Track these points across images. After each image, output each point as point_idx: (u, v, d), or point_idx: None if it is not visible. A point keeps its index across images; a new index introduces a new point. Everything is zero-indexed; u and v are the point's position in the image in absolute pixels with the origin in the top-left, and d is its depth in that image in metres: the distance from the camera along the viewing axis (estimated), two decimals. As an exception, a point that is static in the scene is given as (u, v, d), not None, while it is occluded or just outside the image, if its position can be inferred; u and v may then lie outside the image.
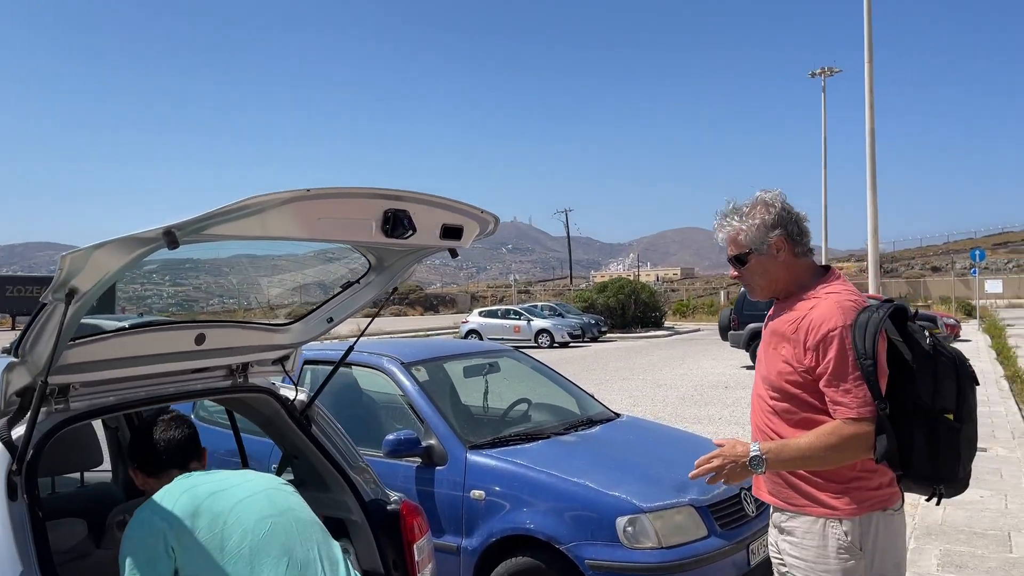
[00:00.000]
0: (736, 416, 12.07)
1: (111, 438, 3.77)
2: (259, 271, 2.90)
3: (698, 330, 39.22)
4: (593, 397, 5.81)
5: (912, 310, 2.51)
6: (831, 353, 2.35)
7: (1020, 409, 11.73)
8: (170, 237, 1.81)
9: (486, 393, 5.42)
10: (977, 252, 35.09)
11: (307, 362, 5.05)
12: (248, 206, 1.86)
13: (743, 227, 2.58)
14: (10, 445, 2.12)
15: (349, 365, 4.79)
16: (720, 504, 4.18)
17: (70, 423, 2.36)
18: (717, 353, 24.01)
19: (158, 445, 2.36)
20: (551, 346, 29.63)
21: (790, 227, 2.55)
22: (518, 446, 4.51)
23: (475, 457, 4.32)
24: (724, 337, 21.08)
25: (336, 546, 2.27)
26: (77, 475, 3.51)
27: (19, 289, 37.98)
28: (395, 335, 29.33)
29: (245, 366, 2.94)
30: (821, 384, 2.39)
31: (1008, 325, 30.27)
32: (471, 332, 30.96)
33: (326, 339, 3.62)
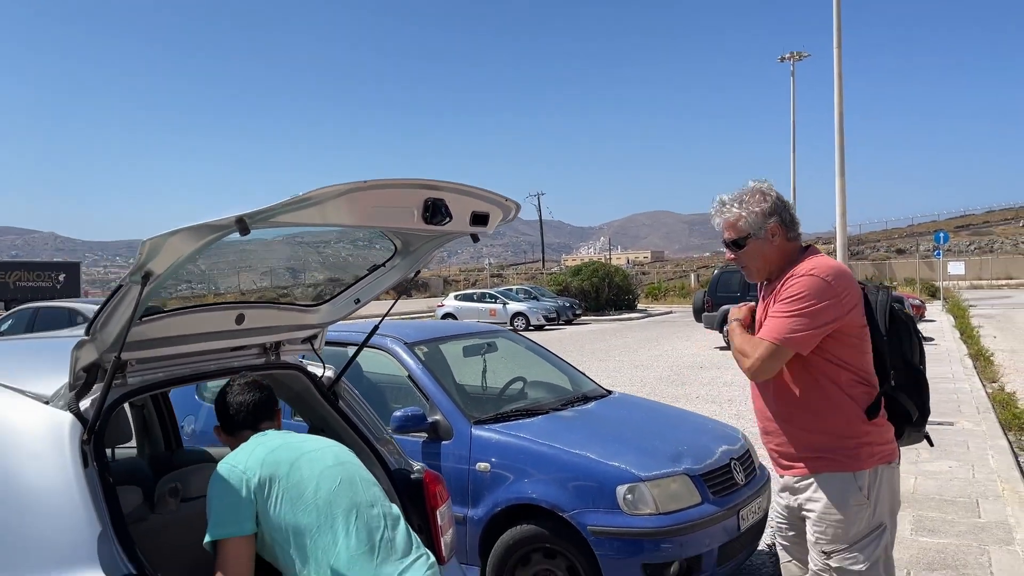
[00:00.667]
0: (713, 395, 12.41)
1: (136, 415, 3.92)
2: (293, 256, 3.06)
3: (671, 312, 39.70)
4: (585, 375, 6.05)
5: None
6: (788, 284, 2.73)
7: (984, 386, 12.19)
8: (241, 224, 1.99)
9: (484, 372, 5.63)
10: (941, 234, 35.87)
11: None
12: (311, 197, 2.04)
13: (743, 213, 2.82)
14: (80, 416, 2.29)
15: (351, 346, 4.97)
16: (712, 473, 4.43)
17: (127, 398, 2.53)
18: (691, 335, 24.43)
19: (230, 408, 2.55)
20: (527, 329, 29.90)
21: (784, 214, 2.82)
22: (519, 421, 4.73)
23: (479, 432, 4.54)
24: (698, 319, 21.47)
25: (395, 505, 2.47)
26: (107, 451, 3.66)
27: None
28: (370, 319, 29.40)
29: (278, 344, 3.12)
30: (774, 306, 2.74)
31: (971, 306, 31.09)
32: (447, 316, 31.13)
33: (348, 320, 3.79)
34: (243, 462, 2.32)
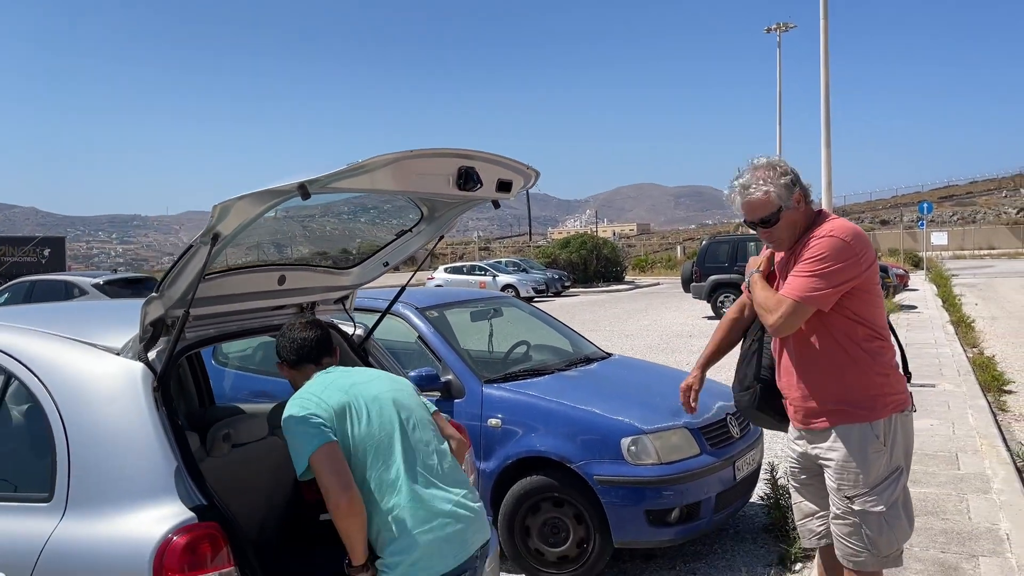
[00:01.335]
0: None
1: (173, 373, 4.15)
2: (329, 222, 3.26)
3: (658, 284, 40.10)
4: (586, 338, 6.32)
5: None
6: (811, 244, 2.90)
7: (965, 350, 12.57)
8: (303, 190, 2.21)
9: (491, 336, 5.89)
10: (925, 205, 36.27)
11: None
12: (365, 165, 2.26)
13: (772, 188, 2.94)
14: (149, 366, 2.52)
15: (366, 311, 5.21)
16: (709, 427, 4.72)
17: (185, 351, 2.77)
18: (679, 305, 24.79)
19: (295, 343, 2.70)
20: (516, 301, 30.16)
21: (800, 182, 2.99)
22: (527, 380, 4.99)
23: (490, 390, 4.80)
24: (687, 289, 21.76)
25: (442, 439, 2.71)
26: None
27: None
28: (384, 288, 29.63)
29: (313, 304, 3.36)
30: (796, 265, 2.92)
31: (953, 275, 31.60)
32: (437, 288, 31.36)
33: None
34: (316, 392, 2.51)
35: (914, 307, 20.76)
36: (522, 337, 5.93)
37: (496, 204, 3.01)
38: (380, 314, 3.59)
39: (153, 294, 2.50)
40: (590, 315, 22.94)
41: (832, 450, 2.97)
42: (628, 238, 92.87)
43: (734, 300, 14.32)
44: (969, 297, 23.16)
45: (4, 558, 2.34)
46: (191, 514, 2.29)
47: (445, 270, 34.46)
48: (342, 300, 3.47)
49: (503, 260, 37.86)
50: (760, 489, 5.26)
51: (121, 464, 2.37)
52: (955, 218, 67.09)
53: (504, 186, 2.86)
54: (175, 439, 2.44)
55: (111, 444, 2.39)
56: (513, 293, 30.85)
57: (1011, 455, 6.45)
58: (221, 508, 2.37)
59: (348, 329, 3.49)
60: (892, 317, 17.87)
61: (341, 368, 2.71)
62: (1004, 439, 7.03)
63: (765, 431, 5.13)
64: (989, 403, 8.63)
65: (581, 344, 6.15)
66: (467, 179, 2.62)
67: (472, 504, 2.59)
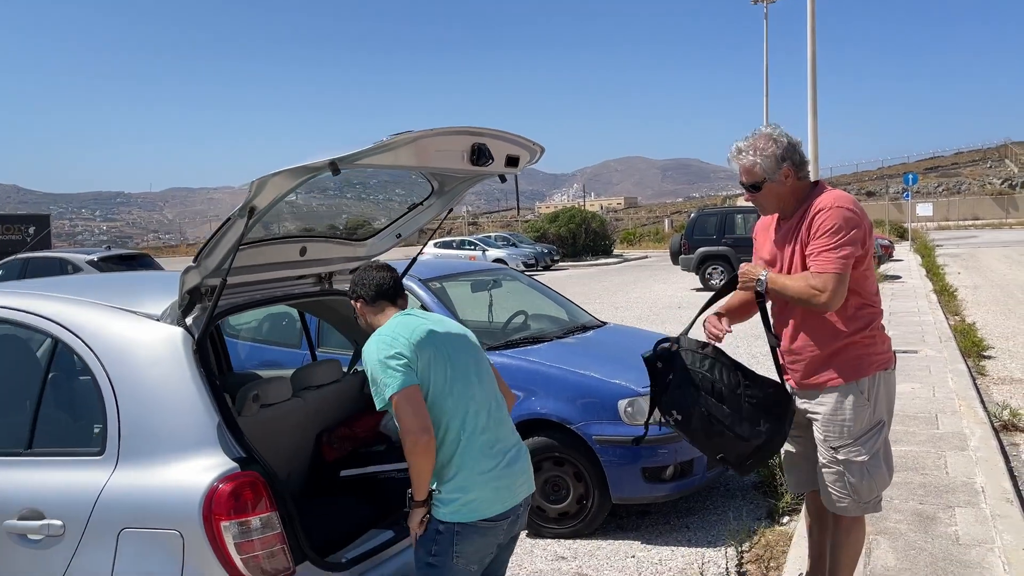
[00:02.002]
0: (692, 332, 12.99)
1: None
2: (344, 197, 3.43)
3: (646, 257, 40.38)
4: (581, 308, 6.55)
5: None
6: (820, 219, 3.04)
7: (947, 318, 12.90)
8: (334, 167, 2.40)
9: (491, 306, 6.11)
10: (910, 176, 36.54)
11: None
12: (390, 143, 2.45)
13: (758, 160, 3.12)
14: (188, 330, 2.72)
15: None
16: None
17: (218, 317, 2.97)
18: (667, 277, 25.07)
19: (374, 281, 2.81)
20: (506, 275, 30.36)
21: (795, 157, 3.14)
22: (528, 347, 5.22)
23: (492, 357, 5.00)
24: (675, 262, 22.04)
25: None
26: None
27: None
28: (392, 261, 29.72)
29: (331, 275, 3.56)
30: (811, 246, 3.04)
31: (937, 246, 32.05)
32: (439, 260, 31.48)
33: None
34: (404, 334, 2.62)
35: (899, 277, 21.11)
36: (520, 307, 6.15)
37: (503, 178, 3.21)
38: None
39: (191, 264, 2.69)
40: (580, 288, 23.18)
41: (821, 404, 3.19)
42: (616, 212, 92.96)
43: (722, 272, 14.81)
44: (952, 267, 23.54)
45: (63, 506, 2.55)
46: (234, 464, 2.49)
47: (435, 245, 34.52)
48: (356, 270, 3.67)
49: (492, 235, 38.01)
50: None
51: (167, 420, 2.58)
52: (940, 189, 67.58)
53: (512, 161, 3.05)
54: (214, 397, 2.65)
55: (157, 402, 2.60)
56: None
57: (988, 415, 6.75)
58: (259, 459, 2.58)
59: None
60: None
61: (420, 311, 2.85)
62: (982, 400, 7.33)
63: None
64: (969, 367, 8.95)
65: (577, 313, 6.38)
66: (480, 155, 2.80)
67: (523, 456, 2.78)
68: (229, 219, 2.57)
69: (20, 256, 17.07)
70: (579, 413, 4.70)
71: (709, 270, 20.43)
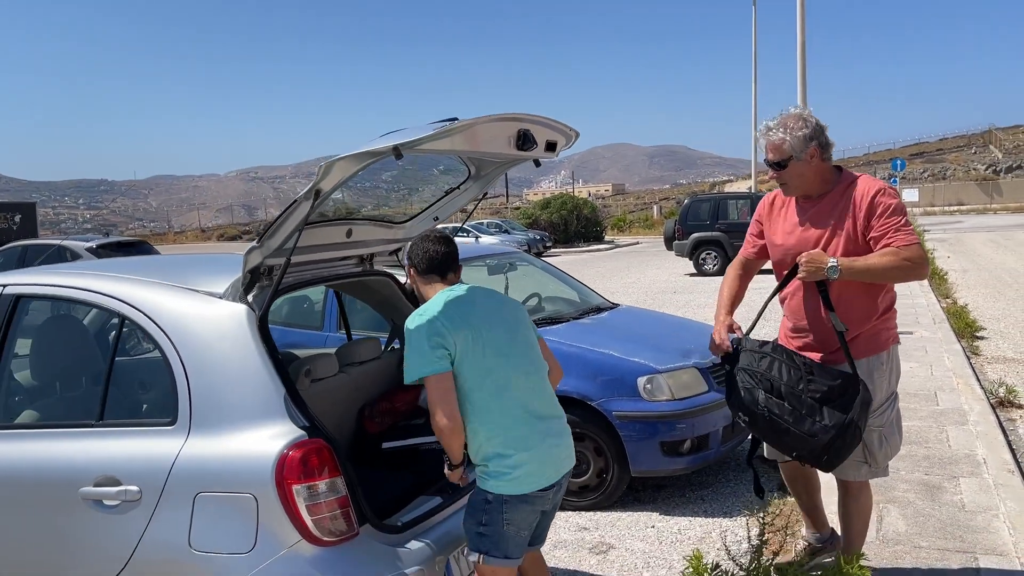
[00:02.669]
0: (689, 315, 13.19)
1: None
2: (387, 181, 3.60)
3: (638, 243, 40.57)
4: (594, 291, 6.72)
5: None
6: (884, 201, 3.17)
7: (939, 300, 13.16)
8: (397, 152, 2.55)
9: (507, 288, 6.26)
10: (898, 162, 36.94)
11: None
12: (448, 131, 2.58)
13: (787, 138, 3.23)
14: (251, 307, 2.86)
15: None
16: (716, 367, 5.14)
17: (274, 296, 3.11)
18: (660, 263, 25.28)
19: (427, 253, 2.92)
20: (499, 261, 30.49)
21: (821, 138, 3.27)
22: (546, 327, 5.39)
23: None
24: (669, 247, 22.25)
25: (545, 365, 3.01)
26: None
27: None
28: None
29: (372, 256, 3.71)
30: (877, 226, 3.14)
31: (925, 231, 32.34)
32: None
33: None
34: (445, 313, 2.75)
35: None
36: (534, 290, 6.31)
37: (537, 163, 3.35)
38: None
39: (254, 244, 2.83)
40: (573, 274, 23.26)
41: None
42: (604, 198, 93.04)
43: (715, 257, 15.04)
44: (941, 251, 23.83)
45: (139, 473, 2.70)
46: (301, 432, 2.65)
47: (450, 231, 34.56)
48: (395, 252, 3.82)
49: (484, 222, 38.11)
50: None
51: (235, 392, 2.72)
52: (926, 175, 68.05)
53: (551, 146, 3.19)
54: (277, 370, 2.80)
55: (224, 375, 2.74)
56: (496, 254, 31.14)
57: (985, 392, 6.98)
58: (322, 428, 2.74)
59: (402, 278, 3.84)
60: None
61: (466, 286, 2.95)
62: (978, 378, 7.57)
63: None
64: (963, 347, 9.19)
65: (589, 295, 6.55)
66: (525, 140, 2.95)
67: (566, 430, 2.94)
68: (296, 201, 2.71)
69: (19, 244, 17.08)
70: (599, 390, 4.88)
71: (703, 255, 20.65)
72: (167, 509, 2.65)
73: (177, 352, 2.78)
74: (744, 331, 3.44)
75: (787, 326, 3.55)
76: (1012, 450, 5.51)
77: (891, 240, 3.14)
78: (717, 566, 3.38)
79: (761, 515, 4.55)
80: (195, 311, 2.86)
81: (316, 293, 6.05)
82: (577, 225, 40.46)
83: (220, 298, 2.89)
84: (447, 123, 2.59)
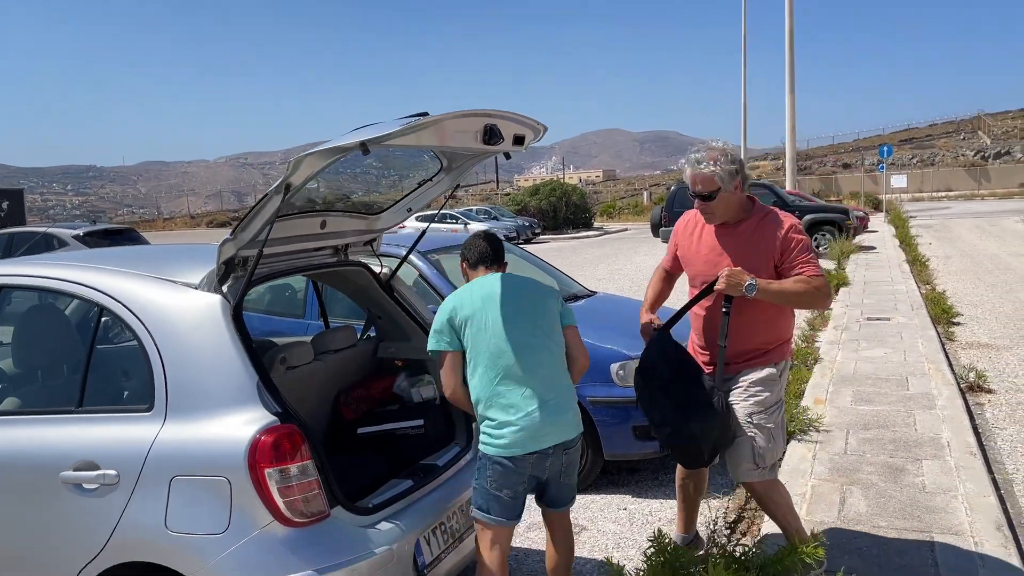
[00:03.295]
0: (671, 302, 13.34)
1: None
2: (360, 174, 3.68)
3: (626, 229, 40.71)
4: (571, 278, 6.83)
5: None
6: (796, 238, 3.46)
7: (919, 287, 13.34)
8: (364, 147, 2.64)
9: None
10: (885, 148, 37.08)
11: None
12: (415, 126, 2.68)
13: (717, 171, 3.44)
14: (226, 297, 2.96)
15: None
16: (688, 353, 5.27)
17: (248, 287, 3.21)
18: (648, 250, 25.41)
19: (477, 248, 3.37)
20: (488, 248, 30.55)
21: (743, 172, 3.52)
22: (523, 315, 5.50)
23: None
24: (655, 234, 22.42)
25: (554, 346, 3.22)
26: None
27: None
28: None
29: (347, 247, 3.80)
30: (788, 259, 3.44)
31: (911, 217, 32.61)
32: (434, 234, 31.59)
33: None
34: (461, 298, 3.18)
35: (873, 248, 21.60)
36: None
37: (507, 156, 3.45)
38: (403, 256, 4.05)
39: (228, 236, 2.92)
40: (562, 261, 23.43)
41: (745, 377, 3.55)
42: (594, 184, 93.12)
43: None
44: (925, 237, 24.06)
45: (117, 457, 2.80)
46: (273, 418, 2.75)
47: (417, 219, 34.63)
48: (370, 243, 3.92)
49: (474, 208, 38.15)
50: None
51: (209, 379, 2.83)
52: (915, 161, 68.31)
53: (519, 140, 3.29)
54: (251, 359, 2.90)
55: (199, 363, 2.84)
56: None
57: (955, 377, 7.13)
58: (295, 414, 2.84)
59: (376, 268, 3.95)
60: (852, 258, 18.57)
61: (491, 276, 3.28)
62: (950, 363, 7.73)
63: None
64: (938, 333, 9.35)
65: (567, 283, 6.67)
66: (491, 135, 3.05)
67: (566, 404, 3.16)
68: (266, 195, 2.80)
69: (5, 231, 17.07)
70: (573, 376, 4.99)
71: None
72: (144, 492, 2.75)
73: (154, 341, 2.88)
74: (666, 326, 3.76)
75: (695, 341, 3.80)
76: (977, 433, 5.66)
77: (803, 270, 3.43)
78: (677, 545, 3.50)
79: (731, 499, 4.71)
80: (171, 301, 2.96)
81: (298, 282, 6.14)
82: (566, 212, 40.57)
83: (195, 288, 2.99)
84: (415, 119, 2.69)
